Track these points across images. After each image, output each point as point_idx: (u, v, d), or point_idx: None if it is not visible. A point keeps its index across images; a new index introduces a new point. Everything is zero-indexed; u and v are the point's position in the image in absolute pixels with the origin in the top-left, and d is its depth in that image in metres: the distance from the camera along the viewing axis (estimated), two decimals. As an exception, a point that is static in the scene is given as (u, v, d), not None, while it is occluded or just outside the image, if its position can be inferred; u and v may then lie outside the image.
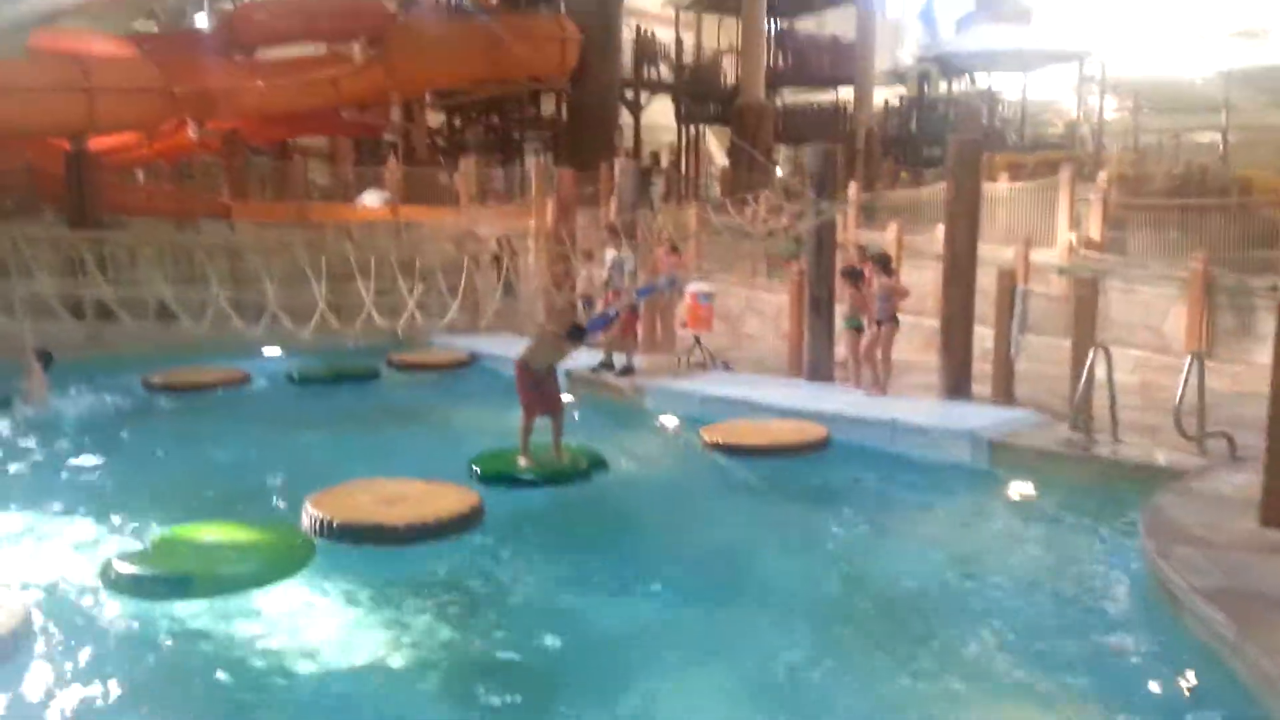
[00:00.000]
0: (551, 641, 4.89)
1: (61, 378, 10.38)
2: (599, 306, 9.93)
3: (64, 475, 7.62)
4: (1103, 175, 15.53)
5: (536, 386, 7.51)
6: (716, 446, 8.19)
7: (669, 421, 9.52)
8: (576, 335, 7.63)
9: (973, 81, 32.08)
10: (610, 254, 11.15)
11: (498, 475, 7.29)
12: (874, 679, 4.55)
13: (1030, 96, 31.19)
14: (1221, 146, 27.76)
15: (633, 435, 9.10)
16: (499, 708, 4.31)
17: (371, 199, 18.44)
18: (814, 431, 8.34)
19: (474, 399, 11.00)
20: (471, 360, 12.37)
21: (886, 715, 4.26)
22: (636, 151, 26.67)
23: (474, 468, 7.44)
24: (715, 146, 33.74)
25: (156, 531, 5.90)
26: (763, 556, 6.14)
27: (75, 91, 16.20)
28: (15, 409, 9.49)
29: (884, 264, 9.78)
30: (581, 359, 10.15)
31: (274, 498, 7.09)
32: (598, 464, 7.60)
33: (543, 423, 7.54)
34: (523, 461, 7.41)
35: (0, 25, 22.78)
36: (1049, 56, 29.95)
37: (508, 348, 11.35)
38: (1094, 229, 13.36)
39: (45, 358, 10.19)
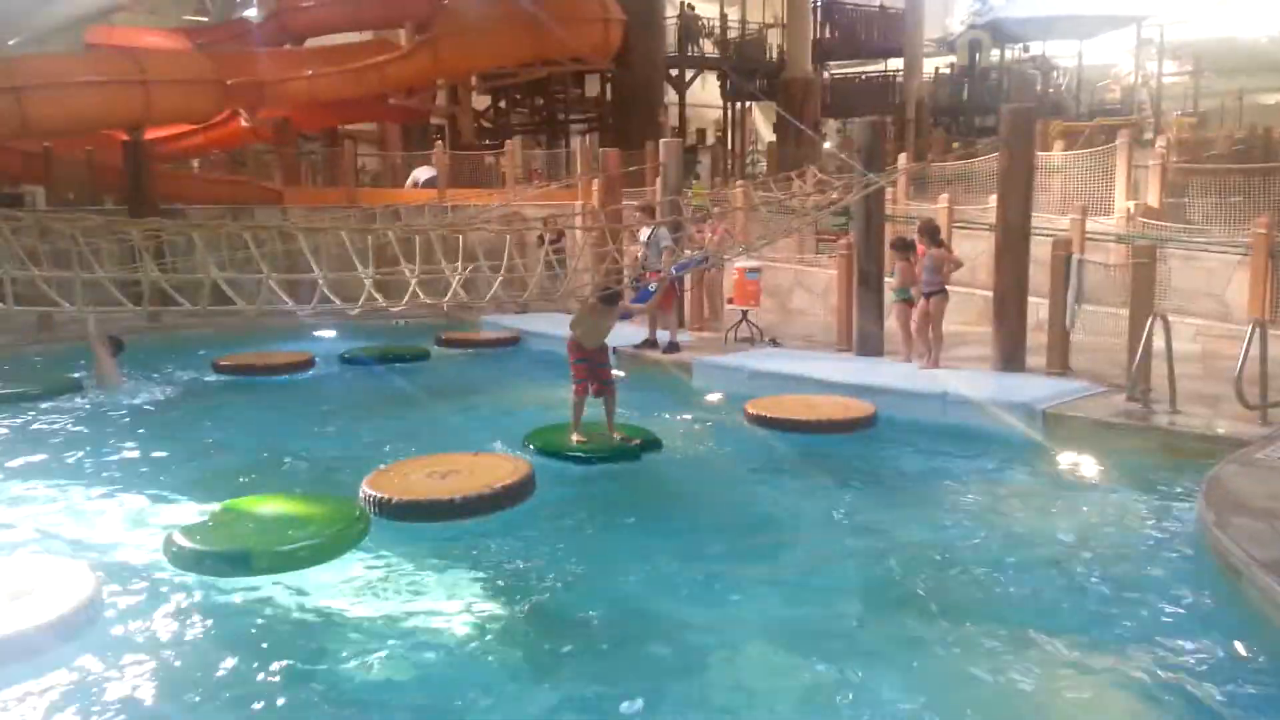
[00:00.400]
0: (603, 613, 4.94)
1: (129, 362, 10.75)
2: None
3: (130, 454, 7.86)
4: (1161, 141, 15.11)
5: (588, 364, 7.55)
6: (763, 422, 8.15)
7: (716, 397, 9.51)
8: (611, 300, 7.63)
9: (1026, 49, 31.33)
10: (645, 232, 11.15)
11: (551, 450, 7.36)
12: (932, 650, 4.52)
13: (1086, 62, 30.40)
14: (1289, 108, 26.81)
15: (680, 411, 9.11)
16: (555, 677, 4.38)
17: (424, 173, 18.69)
18: (862, 406, 8.26)
19: (522, 376, 11.14)
20: (518, 338, 12.52)
21: (944, 685, 4.24)
22: (682, 129, 26.56)
23: (528, 443, 7.53)
24: (762, 122, 33.46)
25: (216, 506, 6.07)
26: (814, 532, 6.11)
27: (131, 85, 16.55)
28: (87, 392, 9.82)
29: (932, 234, 9.62)
30: (626, 336, 10.19)
31: (332, 474, 7.25)
32: (651, 443, 7.60)
33: (598, 400, 7.59)
34: (575, 438, 7.46)
35: (58, 22, 23.38)
36: (1105, 21, 29.11)
37: (554, 326, 11.50)
38: (1152, 196, 13.01)
39: (116, 344, 10.51)
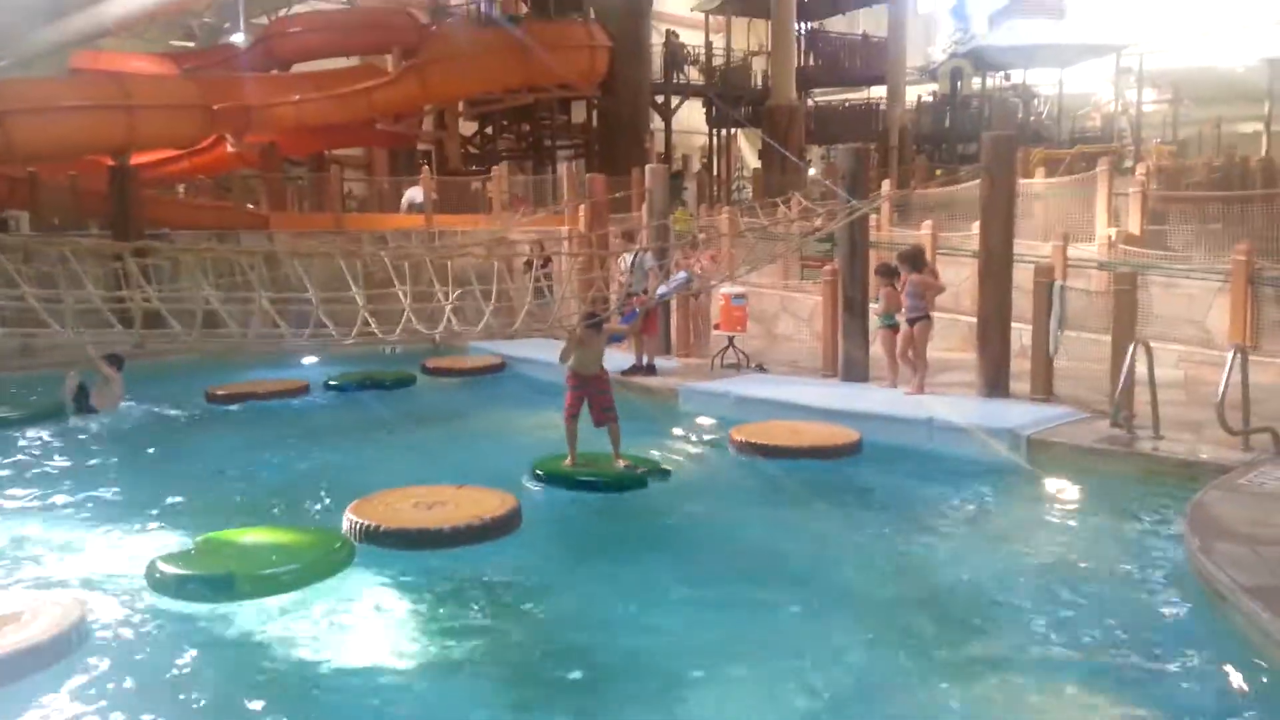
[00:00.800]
0: (588, 645, 4.91)
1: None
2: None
3: (111, 483, 7.75)
4: (1141, 168, 15.32)
5: (583, 392, 7.43)
6: (748, 448, 8.13)
7: (702, 423, 9.51)
8: (594, 324, 7.58)
9: (1007, 77, 31.73)
10: (627, 258, 11.17)
11: (557, 479, 7.28)
12: (920, 679, 4.50)
13: (1066, 90, 30.81)
14: (1265, 137, 27.22)
15: (667, 437, 9.10)
16: (533, 710, 4.34)
17: (418, 194, 18.74)
18: (848, 432, 8.28)
19: (508, 403, 11.16)
20: (503, 364, 12.53)
21: (932, 713, 4.22)
22: (667, 155, 26.73)
23: (536, 470, 7.44)
24: (747, 149, 33.72)
25: (199, 536, 6.02)
26: (801, 559, 6.09)
27: (116, 109, 16.55)
28: (72, 415, 9.72)
29: (913, 260, 9.70)
30: (614, 362, 10.20)
31: (317, 502, 7.19)
32: (658, 472, 7.48)
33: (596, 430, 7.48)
34: (567, 463, 7.38)
35: (44, 46, 23.37)
36: (1085, 50, 29.54)
37: (539, 351, 11.56)
38: (1133, 223, 13.16)
39: (117, 360, 10.37)
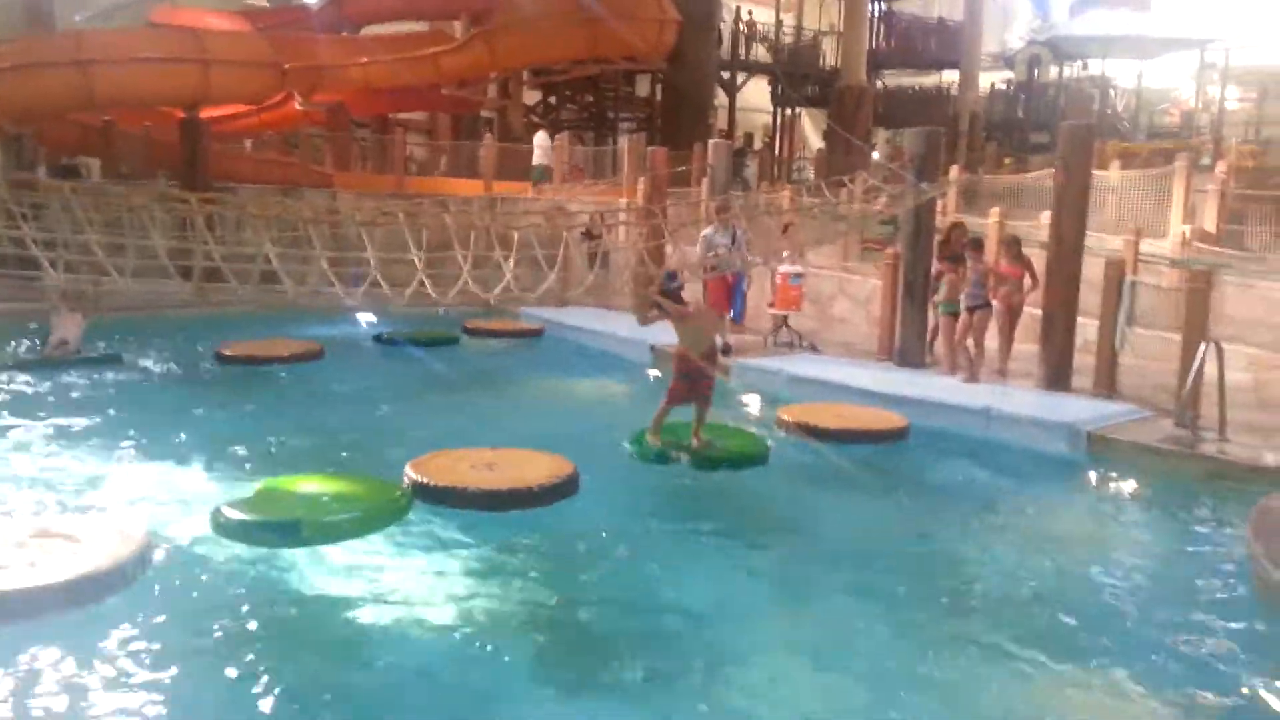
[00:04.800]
0: (638, 615, 4.94)
1: (165, 340, 11.09)
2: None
3: (173, 430, 7.89)
4: (1221, 165, 14.80)
5: (690, 379, 7.18)
6: (795, 428, 8.01)
7: (752, 400, 9.45)
8: (674, 290, 7.36)
9: (1085, 67, 30.83)
10: (709, 231, 10.97)
11: (655, 456, 7.15)
12: (967, 672, 4.45)
13: (1146, 84, 29.87)
14: (1354, 140, 26.02)
15: (716, 409, 9.03)
16: (574, 668, 4.38)
17: (541, 138, 19.47)
18: (894, 417, 8.15)
19: (548, 368, 11.35)
20: (543, 330, 12.80)
21: (981, 708, 4.17)
22: (730, 133, 26.46)
23: (630, 447, 7.29)
24: (810, 129, 33.27)
25: (261, 482, 6.15)
26: (851, 545, 6.03)
27: (192, 63, 16.82)
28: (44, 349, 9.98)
29: (977, 247, 9.50)
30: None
31: (373, 457, 7.28)
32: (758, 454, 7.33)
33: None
34: (650, 438, 7.24)
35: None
36: (1169, 43, 28.57)
37: (582, 319, 12.10)
38: (1210, 221, 12.74)
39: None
